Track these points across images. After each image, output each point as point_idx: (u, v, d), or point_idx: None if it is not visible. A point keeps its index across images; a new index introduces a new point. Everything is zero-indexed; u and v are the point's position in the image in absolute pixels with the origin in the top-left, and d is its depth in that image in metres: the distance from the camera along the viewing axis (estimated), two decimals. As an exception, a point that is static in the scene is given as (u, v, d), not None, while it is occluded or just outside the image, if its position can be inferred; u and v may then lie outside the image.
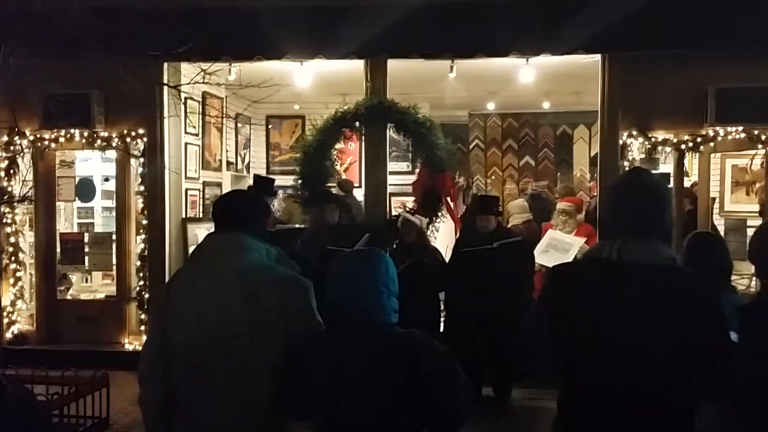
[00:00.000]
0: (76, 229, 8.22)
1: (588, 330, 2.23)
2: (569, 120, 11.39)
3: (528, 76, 7.65)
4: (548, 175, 11.59)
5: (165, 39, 6.65)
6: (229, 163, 9.27)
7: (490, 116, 11.62)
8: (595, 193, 10.09)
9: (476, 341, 6.05)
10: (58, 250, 7.85)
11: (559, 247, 7.39)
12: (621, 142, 7.17)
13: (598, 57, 7.20)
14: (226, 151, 9.25)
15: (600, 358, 2.21)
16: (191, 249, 7.38)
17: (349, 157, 10.54)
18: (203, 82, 6.49)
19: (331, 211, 6.70)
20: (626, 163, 7.19)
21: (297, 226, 7.37)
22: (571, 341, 2.27)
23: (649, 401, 2.20)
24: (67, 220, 8.55)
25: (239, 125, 10.12)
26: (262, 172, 10.61)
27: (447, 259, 6.80)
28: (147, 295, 7.49)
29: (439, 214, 7.17)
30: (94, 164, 8.25)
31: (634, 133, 7.18)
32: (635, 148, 7.22)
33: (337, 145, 7.35)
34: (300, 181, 7.29)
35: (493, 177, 11.74)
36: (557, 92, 9.98)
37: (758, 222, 7.98)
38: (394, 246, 6.62)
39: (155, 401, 2.67)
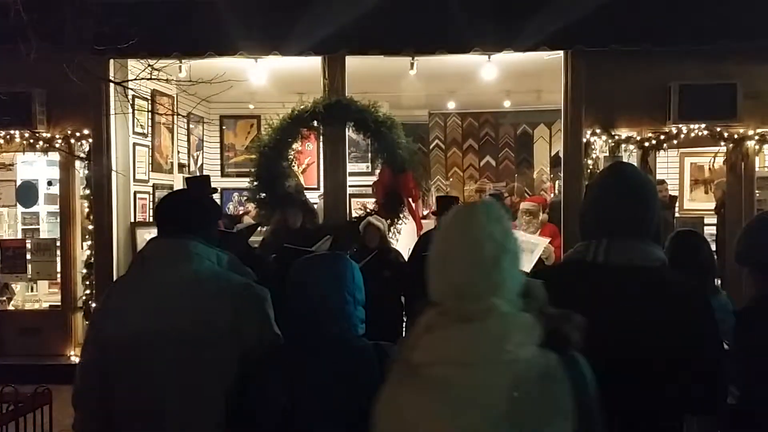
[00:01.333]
0: (20, 236, 7.78)
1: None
2: (530, 119, 11.27)
3: (489, 74, 7.46)
4: (509, 175, 11.47)
5: (110, 33, 6.33)
6: (181, 165, 8.90)
7: (450, 116, 11.44)
8: (553, 193, 10.00)
9: None
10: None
11: (523, 247, 7.16)
12: (584, 139, 7.04)
13: (560, 54, 7.05)
14: (178, 152, 8.88)
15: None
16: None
17: (307, 158, 10.27)
18: (150, 78, 6.17)
19: (294, 215, 6.42)
20: (590, 161, 7.06)
21: (248, 224, 7.04)
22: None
23: (636, 415, 2.02)
24: (10, 227, 8.11)
25: (191, 125, 9.75)
26: (216, 174, 10.27)
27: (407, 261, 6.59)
28: (94, 305, 7.10)
29: (401, 215, 6.94)
30: (37, 167, 7.81)
31: (598, 130, 7.05)
32: (598, 146, 7.09)
33: (295, 146, 7.05)
34: (255, 183, 6.98)
35: (453, 178, 11.56)
36: (518, 91, 9.84)
37: (714, 220, 7.97)
38: (354, 250, 6.39)
39: (92, 426, 2.38)
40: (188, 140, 9.66)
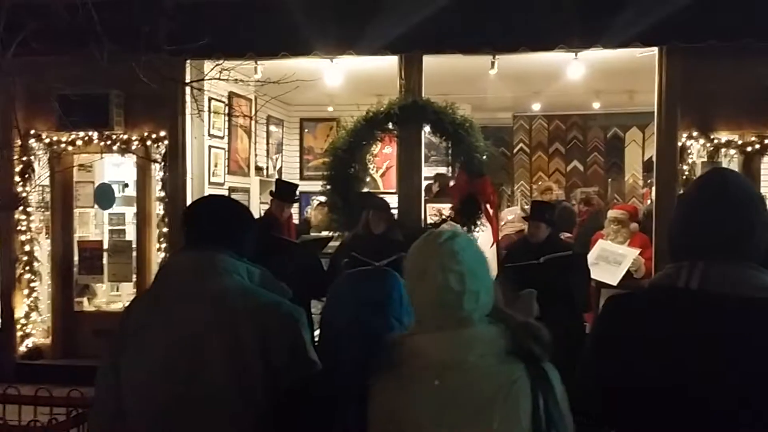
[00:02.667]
0: (107, 237, 7.80)
1: (663, 385, 1.66)
2: (621, 122, 10.71)
3: (576, 73, 7.02)
4: (598, 181, 10.93)
5: (184, 34, 6.28)
6: (258, 168, 8.81)
7: (536, 118, 11.00)
8: (649, 200, 9.44)
9: None
10: (76, 258, 7.48)
11: (610, 259, 6.77)
12: (680, 143, 6.51)
13: (654, 51, 6.55)
14: (255, 155, 8.80)
15: (677, 420, 1.66)
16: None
17: (386, 161, 10.03)
18: (221, 79, 6.08)
19: (377, 219, 6.13)
20: (686, 167, 6.53)
21: (324, 235, 6.85)
22: (640, 398, 1.70)
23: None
24: (97, 227, 8.16)
25: (271, 128, 9.68)
26: (295, 178, 10.16)
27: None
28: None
29: (478, 222, 6.59)
30: (115, 168, 7.85)
31: (695, 134, 6.52)
32: (695, 151, 6.55)
33: (370, 149, 6.81)
34: (329, 186, 6.77)
35: (539, 182, 11.10)
36: (608, 91, 9.30)
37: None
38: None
39: None
40: (267, 143, 9.59)
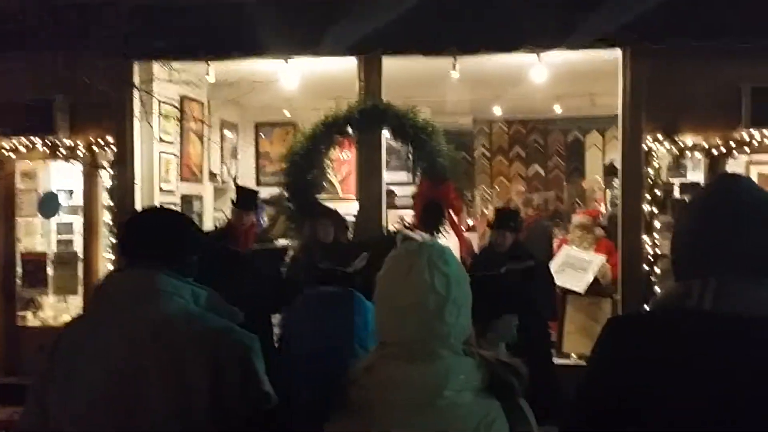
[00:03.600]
0: (54, 248, 7.36)
1: (676, 416, 1.45)
2: (581, 126, 10.63)
3: (539, 76, 6.85)
4: (559, 185, 10.83)
5: (133, 37, 6.00)
6: (212, 175, 8.48)
7: (496, 122, 10.86)
8: (603, 204, 9.33)
9: None
10: (20, 270, 7.08)
11: (576, 265, 6.63)
12: (645, 147, 6.39)
13: (617, 53, 6.43)
14: (209, 161, 8.47)
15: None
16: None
17: (344, 167, 9.77)
18: (170, 80, 5.78)
19: (325, 228, 5.92)
20: (651, 171, 6.41)
21: (279, 245, 6.57)
22: (648, 427, 1.49)
23: None
24: (44, 237, 7.72)
25: (225, 133, 9.36)
26: (251, 184, 9.85)
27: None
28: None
29: (442, 229, 6.38)
30: (61, 176, 7.43)
31: (660, 137, 6.40)
32: (660, 154, 6.44)
33: (329, 153, 6.57)
34: (286, 193, 6.51)
35: (497, 187, 10.96)
36: (569, 95, 9.18)
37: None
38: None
39: None
40: (221, 148, 9.27)
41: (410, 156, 6.51)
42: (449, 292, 1.62)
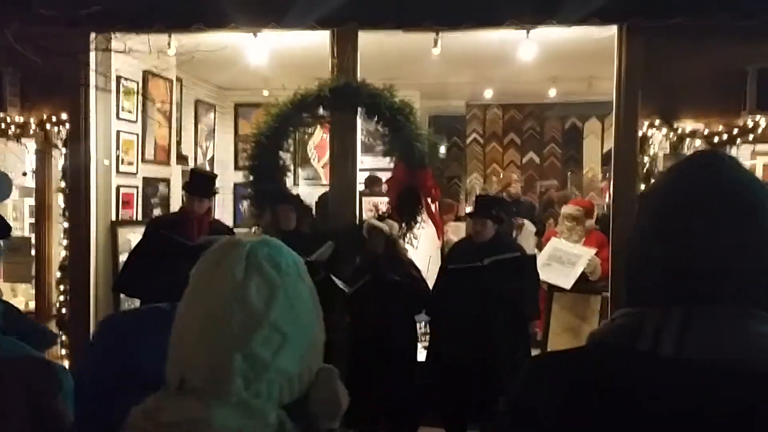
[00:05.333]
0: (28, 230, 6.88)
1: None
2: (579, 112, 10.12)
3: (529, 53, 6.32)
4: (555, 174, 10.32)
5: (87, 5, 5.51)
6: (182, 157, 7.98)
7: (490, 107, 10.33)
8: (608, 195, 8.86)
9: (463, 376, 4.98)
10: (-32, 257, 6.60)
11: (564, 259, 6.14)
12: (640, 133, 5.87)
13: (613, 31, 5.90)
14: (179, 142, 7.96)
15: None
16: (122, 257, 6.14)
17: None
18: (121, 52, 5.30)
19: (286, 214, 5.47)
20: (647, 159, 5.90)
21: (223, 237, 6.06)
22: None
23: None
24: (16, 220, 7.25)
25: (200, 114, 8.86)
26: (229, 167, 9.38)
27: (427, 273, 5.60)
28: (67, 313, 6.26)
29: (418, 218, 5.90)
30: (15, 156, 6.94)
31: (657, 122, 5.87)
32: (657, 141, 5.92)
33: (298, 135, 6.08)
34: (251, 177, 6.03)
35: (493, 176, 10.45)
36: (565, 78, 8.66)
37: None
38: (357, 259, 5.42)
39: None
40: (196, 130, 8.77)
41: (385, 139, 6.01)
42: (270, 308, 1.07)
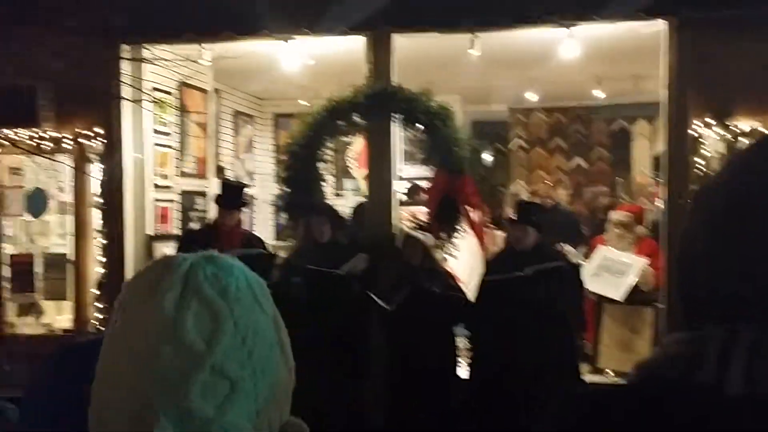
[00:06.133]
0: (66, 249, 6.81)
1: None
2: (627, 113, 9.74)
3: (571, 52, 6.03)
4: (604, 179, 9.95)
5: (115, 16, 5.47)
6: (220, 169, 7.88)
7: (534, 111, 10.02)
8: (659, 200, 8.49)
9: (506, 393, 4.76)
10: (8, 274, 6.58)
11: (613, 269, 5.83)
12: (693, 133, 5.55)
13: (660, 26, 5.59)
14: (217, 155, 7.87)
15: None
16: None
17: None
18: (150, 62, 5.20)
19: (320, 226, 5.28)
20: (700, 161, 5.57)
21: (262, 250, 5.92)
22: None
23: None
24: (62, 237, 7.20)
25: (240, 125, 8.77)
26: (268, 180, 9.27)
27: (468, 284, 5.37)
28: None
29: (458, 228, 5.66)
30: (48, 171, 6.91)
31: (710, 121, 5.55)
32: (711, 142, 5.59)
33: (330, 143, 5.92)
34: (286, 189, 5.87)
35: (537, 182, 10.13)
36: (611, 78, 8.32)
37: None
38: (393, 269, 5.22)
39: None
40: (235, 142, 8.69)
41: (423, 145, 5.80)
42: (213, 346, 0.82)
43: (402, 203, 6.54)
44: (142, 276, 0.88)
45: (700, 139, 5.57)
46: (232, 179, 7.00)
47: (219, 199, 5.25)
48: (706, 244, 0.87)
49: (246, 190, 5.51)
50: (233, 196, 5.27)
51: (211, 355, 0.81)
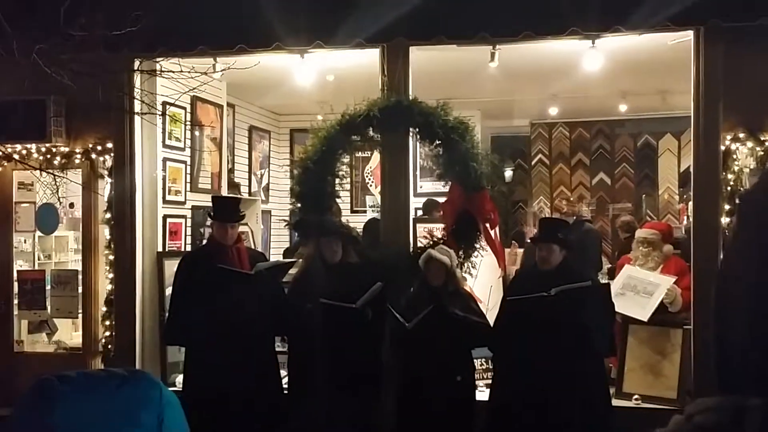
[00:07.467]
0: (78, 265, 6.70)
1: None
2: (653, 128, 9.50)
3: (595, 65, 5.84)
4: (628, 195, 9.69)
5: (125, 28, 5.33)
6: (233, 185, 7.73)
7: (556, 126, 9.80)
8: (686, 217, 8.23)
9: (529, 419, 4.54)
10: (16, 291, 6.48)
11: (639, 288, 5.59)
12: (723, 148, 5.31)
13: (689, 35, 5.37)
14: (230, 170, 7.74)
15: None
16: (168, 290, 5.88)
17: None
18: (159, 74, 5.07)
19: (331, 246, 5.03)
20: (731, 177, 5.32)
21: (282, 261, 5.79)
22: None
23: None
24: (75, 252, 7.10)
25: (255, 140, 8.65)
26: (284, 195, 9.10)
27: (487, 305, 5.17)
28: (112, 350, 6.03)
29: (476, 245, 5.46)
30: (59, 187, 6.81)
31: (741, 135, 5.32)
32: (742, 156, 5.34)
33: (345, 159, 5.76)
34: (298, 204, 5.70)
35: (561, 199, 9.88)
36: (636, 92, 8.11)
37: None
38: (412, 289, 5.01)
39: None
40: (250, 157, 8.56)
41: (440, 159, 5.61)
42: None
43: (417, 219, 6.34)
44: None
45: (730, 154, 5.33)
46: (225, 194, 6.88)
47: (216, 215, 5.09)
48: (746, 282, 0.67)
49: (240, 203, 5.35)
50: (228, 209, 5.09)
51: None
